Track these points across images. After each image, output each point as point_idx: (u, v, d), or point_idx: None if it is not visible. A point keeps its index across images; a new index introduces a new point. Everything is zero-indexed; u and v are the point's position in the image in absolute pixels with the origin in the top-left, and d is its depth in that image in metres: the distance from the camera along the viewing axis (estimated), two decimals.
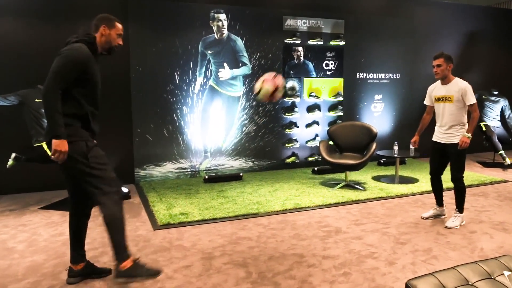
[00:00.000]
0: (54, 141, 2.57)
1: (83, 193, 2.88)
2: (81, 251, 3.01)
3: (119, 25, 2.89)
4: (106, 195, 2.74)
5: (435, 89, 4.25)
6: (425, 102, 4.44)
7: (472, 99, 3.99)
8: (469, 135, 3.95)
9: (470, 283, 2.02)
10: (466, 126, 4.07)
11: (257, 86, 3.57)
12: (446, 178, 4.34)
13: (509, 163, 7.02)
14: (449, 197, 4.79)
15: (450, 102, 4.07)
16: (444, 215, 4.46)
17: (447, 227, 4.08)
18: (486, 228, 4.09)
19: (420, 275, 2.11)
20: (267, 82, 3.51)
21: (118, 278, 2.72)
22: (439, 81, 4.19)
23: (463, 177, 4.13)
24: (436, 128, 4.29)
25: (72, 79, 2.63)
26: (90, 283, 2.96)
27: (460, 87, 4.01)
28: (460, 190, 4.17)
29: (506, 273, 2.09)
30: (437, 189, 4.41)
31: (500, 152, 7.09)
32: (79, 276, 2.97)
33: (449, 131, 4.10)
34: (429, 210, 4.50)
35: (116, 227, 2.75)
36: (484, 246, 3.62)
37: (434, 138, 4.29)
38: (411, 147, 4.55)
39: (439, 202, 4.43)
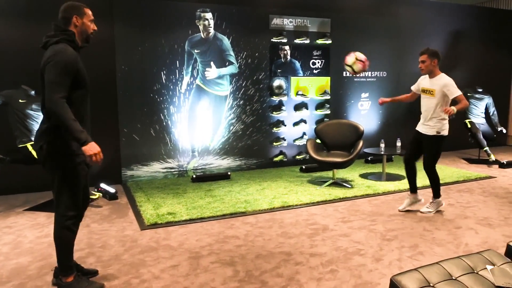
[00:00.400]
0: (84, 148, 2.54)
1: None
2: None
3: (89, 11, 2.79)
4: (61, 217, 2.76)
5: (424, 81, 4.44)
6: (412, 87, 4.66)
7: (456, 91, 4.16)
8: (455, 109, 3.96)
9: (453, 278, 2.04)
10: (445, 121, 4.27)
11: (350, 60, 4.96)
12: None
13: (494, 160, 7.12)
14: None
15: (431, 96, 4.28)
16: (420, 200, 4.65)
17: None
18: (471, 223, 4.14)
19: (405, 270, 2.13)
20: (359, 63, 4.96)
21: None
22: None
23: (434, 167, 4.40)
24: (421, 118, 4.51)
25: (69, 84, 2.56)
26: None
27: (443, 82, 4.21)
28: (432, 178, 4.45)
29: (489, 267, 2.12)
30: (410, 176, 4.60)
31: (485, 149, 7.19)
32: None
33: (427, 123, 4.34)
34: (403, 202, 4.69)
35: (62, 249, 2.80)
36: (469, 242, 3.67)
37: (417, 127, 4.52)
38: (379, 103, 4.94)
39: (412, 189, 4.62)
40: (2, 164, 4.69)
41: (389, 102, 4.91)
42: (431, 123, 4.29)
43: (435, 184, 4.46)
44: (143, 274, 3.07)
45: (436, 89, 4.22)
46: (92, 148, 2.56)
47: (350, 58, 5.02)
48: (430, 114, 4.29)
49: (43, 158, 2.70)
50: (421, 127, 4.43)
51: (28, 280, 3.00)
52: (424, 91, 4.38)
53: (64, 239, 2.79)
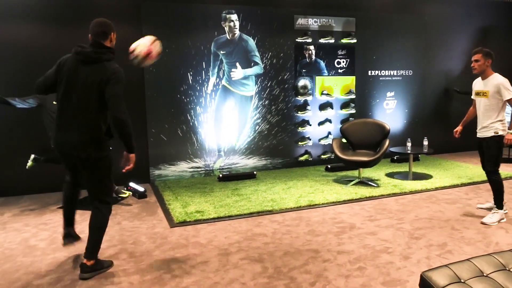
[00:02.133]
0: (131, 156, 3.02)
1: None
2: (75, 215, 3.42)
3: None
4: (107, 205, 3.16)
5: (476, 84, 4.29)
6: (472, 97, 4.41)
7: (507, 94, 3.97)
8: (511, 131, 3.94)
9: (484, 275, 2.04)
10: (503, 122, 4.07)
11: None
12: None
13: None
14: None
15: (485, 97, 4.10)
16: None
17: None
18: (502, 223, 4.07)
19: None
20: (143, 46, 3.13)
21: (85, 274, 3.04)
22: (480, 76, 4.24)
23: (496, 170, 4.12)
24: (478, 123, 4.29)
25: None
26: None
27: (496, 82, 4.03)
28: (493, 183, 4.14)
29: None
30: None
31: None
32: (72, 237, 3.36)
33: (484, 125, 4.13)
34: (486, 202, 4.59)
35: (99, 234, 3.13)
36: (499, 241, 3.62)
37: (477, 135, 4.28)
38: (456, 136, 4.61)
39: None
40: (37, 163, 4.87)
41: (462, 127, 4.59)
42: (487, 124, 4.09)
43: (496, 190, 4.14)
44: (174, 269, 3.16)
45: (490, 90, 4.05)
46: (134, 157, 3.03)
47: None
48: (485, 116, 4.11)
49: (90, 162, 2.98)
50: (479, 132, 4.22)
51: (66, 273, 3.13)
52: (478, 93, 4.21)
53: (105, 225, 3.17)
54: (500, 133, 4.05)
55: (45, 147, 4.98)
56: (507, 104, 4.05)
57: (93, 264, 3.07)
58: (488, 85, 4.08)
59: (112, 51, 2.98)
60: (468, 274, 2.03)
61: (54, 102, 4.85)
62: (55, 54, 5.42)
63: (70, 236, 3.34)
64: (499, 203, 4.14)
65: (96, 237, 3.10)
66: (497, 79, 4.05)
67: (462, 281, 1.98)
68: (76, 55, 2.93)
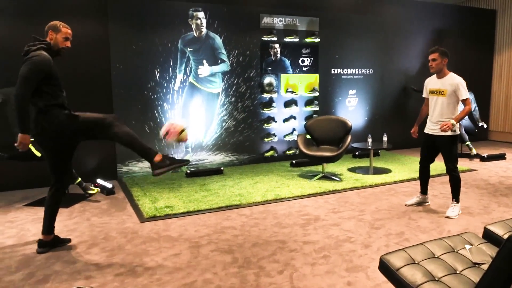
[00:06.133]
0: (20, 135, 3.15)
1: (65, 169, 3.49)
2: (54, 223, 3.57)
3: (66, 30, 3.41)
4: (110, 125, 3.36)
5: (431, 82, 4.38)
6: (423, 95, 4.54)
7: (465, 94, 4.12)
8: (454, 122, 4.03)
9: (436, 256, 2.27)
10: None
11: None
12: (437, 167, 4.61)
13: (475, 153, 7.41)
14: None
15: (443, 96, 4.20)
16: (427, 202, 4.69)
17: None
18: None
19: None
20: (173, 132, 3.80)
21: (156, 170, 3.38)
22: (435, 75, 4.32)
23: (456, 167, 4.27)
24: (428, 120, 4.42)
25: (39, 80, 3.15)
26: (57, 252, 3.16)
27: (454, 82, 4.14)
28: (454, 179, 4.29)
29: (467, 246, 2.35)
30: (423, 178, 4.62)
31: (467, 143, 7.47)
32: (47, 247, 3.50)
33: (440, 123, 4.18)
34: (413, 198, 4.76)
35: (132, 139, 3.43)
36: (451, 229, 3.91)
37: (426, 130, 4.41)
38: (413, 136, 4.72)
39: (423, 190, 4.67)
40: (1, 161, 4.79)
41: (418, 126, 4.69)
42: (444, 121, 4.14)
43: (455, 186, 4.31)
44: (147, 262, 3.25)
45: (447, 89, 4.15)
46: (26, 139, 3.17)
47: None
48: (442, 114, 4.21)
49: (36, 137, 3.29)
50: (433, 129, 4.30)
51: (37, 269, 3.15)
52: (433, 92, 4.29)
53: (128, 131, 3.48)
54: (456, 132, 4.23)
55: (9, 144, 4.89)
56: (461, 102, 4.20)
57: (161, 160, 3.45)
58: (446, 84, 4.18)
59: (45, 42, 3.31)
60: (422, 256, 2.24)
61: None
62: (19, 50, 5.33)
63: None
64: (457, 197, 4.31)
65: (133, 146, 3.46)
66: (454, 78, 4.17)
67: (416, 262, 2.19)
68: None
